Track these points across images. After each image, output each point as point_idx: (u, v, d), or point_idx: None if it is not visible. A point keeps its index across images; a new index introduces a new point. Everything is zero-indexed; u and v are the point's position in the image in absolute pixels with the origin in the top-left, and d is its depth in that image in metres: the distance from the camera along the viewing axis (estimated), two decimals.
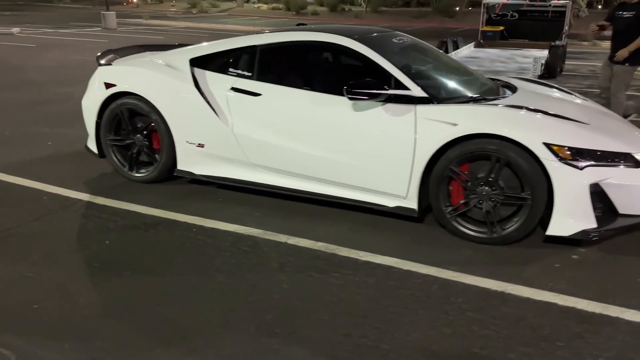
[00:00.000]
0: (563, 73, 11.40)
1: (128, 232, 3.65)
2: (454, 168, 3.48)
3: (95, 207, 4.04)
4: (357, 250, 3.41)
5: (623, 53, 5.78)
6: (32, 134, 5.93)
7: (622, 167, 3.37)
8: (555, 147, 3.27)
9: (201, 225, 3.74)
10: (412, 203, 3.66)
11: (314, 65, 4.23)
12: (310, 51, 4.15)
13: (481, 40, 14.32)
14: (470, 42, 13.97)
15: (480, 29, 14.41)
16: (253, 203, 4.11)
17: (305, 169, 3.93)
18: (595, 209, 3.37)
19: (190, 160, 4.31)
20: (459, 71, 4.45)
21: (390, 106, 3.65)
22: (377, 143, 3.67)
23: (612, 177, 3.33)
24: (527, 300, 2.90)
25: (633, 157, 3.43)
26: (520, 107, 3.57)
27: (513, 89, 4.27)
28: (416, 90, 3.64)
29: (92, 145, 4.68)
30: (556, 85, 4.70)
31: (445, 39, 12.53)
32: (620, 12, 5.86)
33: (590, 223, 3.34)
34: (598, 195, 3.35)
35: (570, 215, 3.33)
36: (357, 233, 3.67)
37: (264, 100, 4.00)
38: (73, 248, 3.42)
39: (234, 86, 4.11)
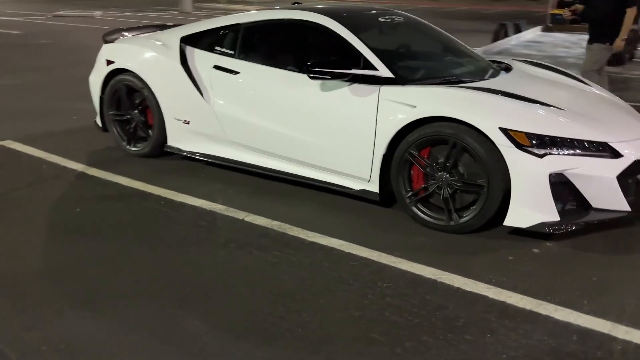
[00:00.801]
0: (634, 59, 10.57)
1: (101, 201, 3.84)
2: (413, 152, 3.37)
3: (84, 177, 4.27)
4: (308, 231, 3.39)
5: (620, 43, 5.43)
6: (63, 108, 6.30)
7: (593, 156, 3.13)
8: (512, 133, 3.08)
9: (171, 199, 3.86)
10: (375, 187, 3.59)
11: (290, 44, 4.20)
12: (288, 30, 4.11)
13: (550, 24, 13.57)
14: (536, 26, 13.27)
15: (549, 12, 13.65)
16: (232, 181, 4.18)
17: (277, 148, 3.94)
18: (564, 201, 3.16)
19: (178, 137, 4.44)
20: (449, 52, 4.28)
21: (357, 86, 3.57)
22: (342, 124, 3.61)
23: (580, 168, 3.09)
24: (457, 291, 2.78)
25: (610, 147, 3.17)
26: (490, 91, 3.39)
27: (507, 72, 4.05)
28: (383, 71, 3.54)
29: (98, 119, 4.93)
30: (563, 70, 4.39)
31: (504, 22, 11.99)
32: None
33: (552, 215, 3.12)
34: (565, 186, 3.12)
35: (529, 206, 3.14)
36: (319, 214, 3.65)
37: (241, 79, 4.04)
38: (46, 213, 3.65)
39: (217, 64, 4.18)
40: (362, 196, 3.67)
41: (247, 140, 4.08)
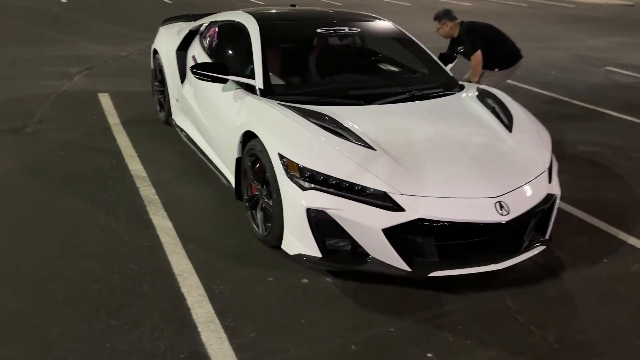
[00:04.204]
0: None
1: (83, 151, 4.91)
2: (247, 162, 3.58)
3: (104, 130, 5.38)
4: (163, 212, 3.87)
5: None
6: None
7: (363, 203, 2.94)
8: (287, 161, 3.10)
9: (121, 161, 4.66)
10: (232, 185, 3.88)
11: (230, 44, 4.56)
12: (234, 30, 4.44)
13: None
14: None
15: None
16: (189, 157, 4.80)
17: (204, 134, 4.47)
18: (336, 240, 3.07)
19: (174, 111, 5.26)
20: (385, 70, 4.16)
21: (238, 92, 3.88)
22: (224, 123, 3.96)
23: (343, 210, 2.95)
24: (175, 288, 3.04)
25: (390, 198, 2.94)
26: (319, 117, 3.35)
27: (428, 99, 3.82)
28: (258, 81, 3.77)
29: None
30: (510, 110, 3.80)
31: None
32: (458, 48, 5.49)
33: (313, 250, 3.07)
34: (334, 225, 3.02)
35: (294, 235, 3.14)
36: (197, 201, 4.08)
37: None
38: (42, 147, 4.90)
39: (193, 54, 4.84)
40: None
41: (195, 123, 4.68)
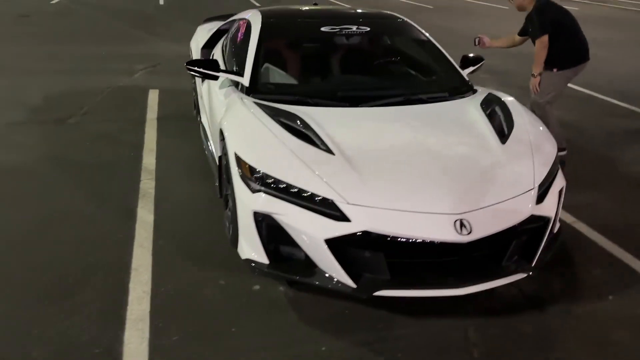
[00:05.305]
0: None
1: (107, 142, 5.10)
2: (223, 160, 3.49)
3: (139, 124, 5.55)
4: (150, 204, 3.91)
5: (534, 83, 4.81)
6: None
7: (309, 210, 2.75)
8: (241, 161, 2.98)
9: (140, 154, 4.80)
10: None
11: (239, 41, 4.45)
12: (245, 28, 4.36)
13: None
14: None
15: None
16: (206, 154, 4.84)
17: (207, 124, 4.47)
18: (285, 247, 2.90)
19: (200, 108, 5.32)
20: (389, 72, 3.94)
21: (229, 89, 3.82)
22: (214, 120, 3.91)
23: (287, 216, 2.78)
24: (122, 281, 3.04)
25: (337, 207, 2.72)
26: (290, 117, 3.20)
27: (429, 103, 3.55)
28: (245, 79, 3.68)
29: None
30: (512, 116, 3.42)
31: None
32: (528, 28, 4.88)
33: (260, 256, 2.92)
34: (283, 232, 2.86)
35: (245, 239, 3.00)
36: (192, 196, 4.10)
37: None
38: (69, 134, 5.24)
39: (213, 52, 4.86)
40: None
41: (207, 120, 4.69)
